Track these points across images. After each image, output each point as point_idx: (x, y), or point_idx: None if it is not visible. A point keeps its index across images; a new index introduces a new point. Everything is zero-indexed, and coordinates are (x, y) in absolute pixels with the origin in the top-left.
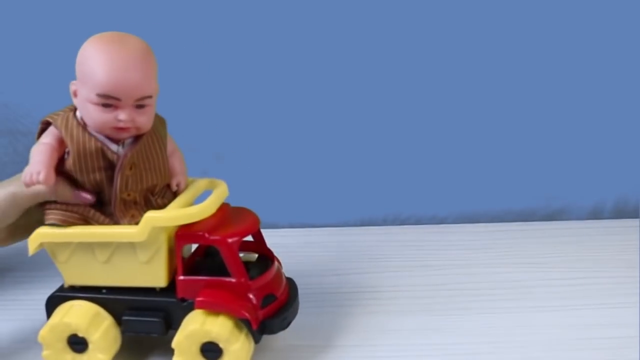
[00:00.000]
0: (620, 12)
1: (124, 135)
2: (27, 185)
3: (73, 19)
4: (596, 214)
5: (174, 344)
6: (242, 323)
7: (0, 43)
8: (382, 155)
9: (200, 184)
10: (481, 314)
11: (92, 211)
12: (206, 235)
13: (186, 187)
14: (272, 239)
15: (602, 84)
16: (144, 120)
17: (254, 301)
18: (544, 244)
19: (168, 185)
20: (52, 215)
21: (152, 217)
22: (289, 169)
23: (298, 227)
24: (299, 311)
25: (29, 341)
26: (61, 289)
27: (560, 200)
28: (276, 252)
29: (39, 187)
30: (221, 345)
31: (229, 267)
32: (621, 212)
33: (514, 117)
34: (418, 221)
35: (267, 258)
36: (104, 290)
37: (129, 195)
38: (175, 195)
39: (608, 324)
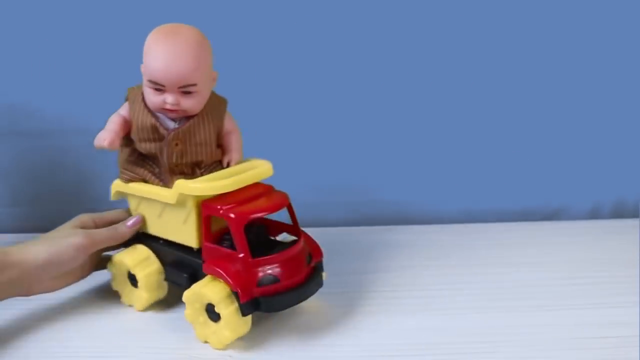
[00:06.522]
0: (618, 14)
1: (172, 115)
2: (96, 147)
3: (73, 20)
4: (595, 214)
5: (183, 297)
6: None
7: (4, 45)
8: (380, 155)
9: (246, 164)
10: (481, 314)
11: (149, 175)
12: (218, 208)
13: (237, 165)
14: None
15: (601, 86)
16: (190, 104)
17: (251, 277)
18: (544, 244)
19: (221, 162)
20: (123, 174)
21: (179, 185)
22: (289, 169)
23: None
24: (299, 310)
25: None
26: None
27: (560, 200)
28: None
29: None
30: (216, 308)
31: (235, 241)
32: (620, 212)
33: (513, 118)
34: (418, 221)
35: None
36: (161, 241)
37: (177, 166)
38: None
39: (608, 324)
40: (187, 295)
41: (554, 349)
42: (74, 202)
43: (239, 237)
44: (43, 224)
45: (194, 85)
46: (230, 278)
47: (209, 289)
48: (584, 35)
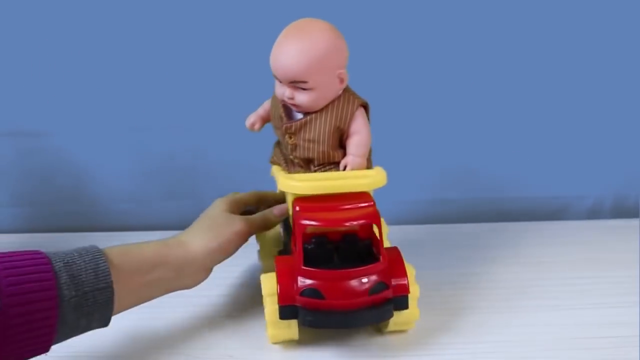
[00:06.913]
0: (621, 12)
1: (295, 108)
2: (247, 126)
3: (72, 21)
4: (595, 214)
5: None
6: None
7: (4, 46)
8: (378, 152)
9: (359, 172)
10: (481, 314)
11: (282, 160)
12: (296, 208)
13: (353, 170)
14: None
15: (602, 84)
16: (303, 100)
17: (297, 284)
18: (544, 244)
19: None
20: (272, 156)
21: (278, 175)
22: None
23: None
24: None
25: None
26: None
27: (560, 200)
28: None
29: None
30: (263, 301)
31: (296, 245)
32: (620, 212)
33: (512, 118)
34: (418, 220)
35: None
36: (290, 221)
37: (295, 157)
38: None
39: (608, 324)
40: (260, 281)
41: (554, 349)
42: (74, 202)
43: (298, 242)
44: (43, 224)
45: (305, 82)
46: (278, 277)
47: (266, 281)
48: (583, 35)
